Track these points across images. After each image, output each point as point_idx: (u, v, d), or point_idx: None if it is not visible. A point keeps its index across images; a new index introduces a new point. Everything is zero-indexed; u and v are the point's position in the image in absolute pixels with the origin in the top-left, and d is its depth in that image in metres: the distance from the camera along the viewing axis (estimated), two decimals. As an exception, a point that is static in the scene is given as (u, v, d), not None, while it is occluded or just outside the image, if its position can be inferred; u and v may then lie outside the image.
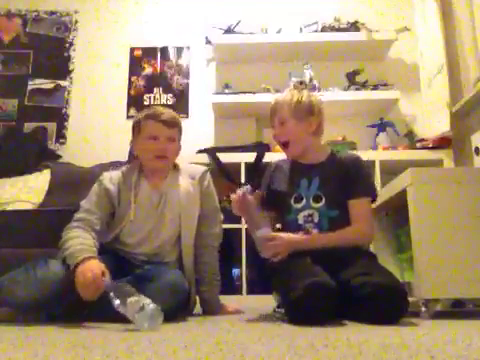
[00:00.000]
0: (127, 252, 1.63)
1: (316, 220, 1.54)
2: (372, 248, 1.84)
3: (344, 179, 1.57)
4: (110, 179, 1.68)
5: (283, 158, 1.74)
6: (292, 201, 1.58)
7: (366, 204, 1.58)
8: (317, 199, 1.56)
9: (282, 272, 1.45)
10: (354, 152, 1.77)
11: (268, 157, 2.72)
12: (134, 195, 1.65)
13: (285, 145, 1.64)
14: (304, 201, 1.57)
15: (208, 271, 1.72)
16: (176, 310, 1.43)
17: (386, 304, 1.22)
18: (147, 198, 1.68)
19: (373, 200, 1.61)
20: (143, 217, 1.65)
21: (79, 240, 1.45)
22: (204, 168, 1.81)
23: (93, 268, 1.32)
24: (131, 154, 2.18)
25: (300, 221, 1.55)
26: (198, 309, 1.74)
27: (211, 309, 1.71)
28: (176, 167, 1.77)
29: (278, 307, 1.53)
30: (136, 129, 1.70)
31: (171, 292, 1.40)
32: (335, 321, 1.23)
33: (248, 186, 1.47)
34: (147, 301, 1.22)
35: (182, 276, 1.54)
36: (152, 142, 1.64)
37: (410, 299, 1.29)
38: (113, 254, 1.59)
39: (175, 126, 1.70)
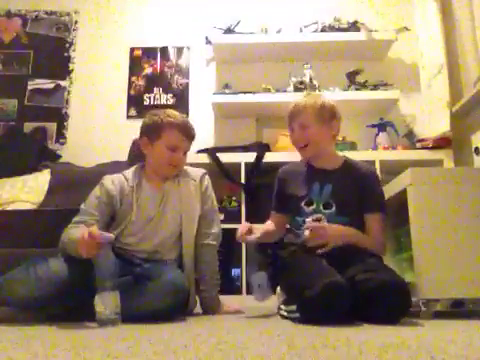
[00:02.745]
0: (127, 251, 1.63)
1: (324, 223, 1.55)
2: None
3: (359, 191, 1.60)
4: (112, 181, 1.70)
5: (295, 161, 1.76)
6: (303, 203, 1.61)
7: (381, 220, 1.60)
8: (327, 206, 1.58)
9: (295, 270, 1.47)
10: (371, 166, 1.80)
11: (268, 157, 2.73)
12: (136, 196, 1.67)
13: (303, 147, 1.66)
14: (314, 205, 1.59)
15: (208, 270, 1.73)
16: (176, 309, 1.43)
17: (389, 300, 1.23)
18: (148, 198, 1.70)
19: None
20: (144, 217, 1.66)
21: (80, 230, 1.47)
22: (203, 170, 1.84)
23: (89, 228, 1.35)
24: (133, 153, 2.19)
25: (308, 223, 1.56)
26: (198, 309, 1.74)
27: (211, 309, 1.71)
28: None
29: (284, 304, 1.52)
30: (155, 132, 1.70)
31: (171, 291, 1.41)
32: (340, 320, 1.23)
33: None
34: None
35: (182, 275, 1.55)
36: (171, 152, 1.68)
37: (410, 299, 1.29)
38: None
39: (193, 140, 1.76)
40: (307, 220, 1.56)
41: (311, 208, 1.59)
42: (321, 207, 1.58)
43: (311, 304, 1.25)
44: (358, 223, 1.58)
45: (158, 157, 1.71)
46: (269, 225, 1.74)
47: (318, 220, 1.56)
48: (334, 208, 1.57)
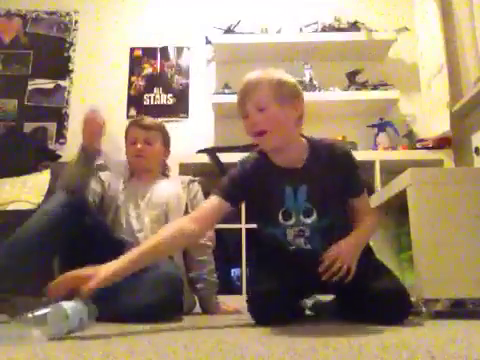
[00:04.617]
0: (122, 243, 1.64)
1: (307, 234, 1.33)
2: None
3: (337, 180, 1.34)
4: (102, 173, 1.86)
5: (253, 156, 1.40)
6: (280, 217, 1.32)
7: (366, 197, 1.47)
8: (307, 213, 1.32)
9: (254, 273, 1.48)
10: (342, 145, 1.52)
11: (268, 157, 2.73)
12: (124, 190, 1.79)
13: (260, 134, 1.30)
14: (294, 218, 1.32)
15: (205, 270, 1.77)
16: (171, 301, 1.45)
17: (388, 307, 1.22)
18: (134, 187, 1.81)
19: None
20: (131, 205, 1.74)
21: None
22: (193, 178, 1.96)
23: None
24: None
25: (289, 237, 1.34)
26: (197, 309, 1.74)
27: (209, 307, 1.74)
28: (166, 174, 1.94)
29: None
30: (125, 135, 1.91)
31: (166, 282, 1.42)
32: (336, 322, 1.23)
33: None
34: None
35: (176, 267, 1.60)
36: (132, 145, 1.84)
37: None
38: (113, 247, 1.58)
39: (152, 129, 1.87)
40: (287, 232, 1.34)
41: (291, 222, 1.32)
42: (301, 216, 1.32)
43: (250, 311, 1.28)
44: (340, 219, 1.37)
45: (127, 154, 1.88)
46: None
47: (301, 231, 1.34)
48: (315, 214, 1.32)
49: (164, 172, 1.95)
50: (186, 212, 1.79)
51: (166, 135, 1.93)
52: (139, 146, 1.81)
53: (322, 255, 1.29)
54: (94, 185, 1.76)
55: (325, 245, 1.32)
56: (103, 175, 1.83)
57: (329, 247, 1.31)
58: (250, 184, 1.34)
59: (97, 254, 1.43)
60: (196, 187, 1.89)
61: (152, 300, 1.37)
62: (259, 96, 1.27)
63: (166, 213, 1.75)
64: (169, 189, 1.82)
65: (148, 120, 1.89)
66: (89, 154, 1.57)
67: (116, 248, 1.53)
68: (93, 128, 1.53)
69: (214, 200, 1.31)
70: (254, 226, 1.51)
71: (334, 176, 1.34)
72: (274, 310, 1.22)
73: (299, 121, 1.32)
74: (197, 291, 1.74)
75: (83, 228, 1.46)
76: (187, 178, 1.92)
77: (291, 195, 1.31)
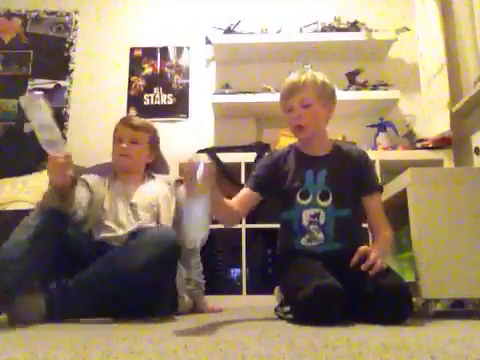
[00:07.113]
0: (106, 242, 1.65)
1: (322, 221, 1.45)
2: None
3: (353, 173, 1.51)
4: (88, 175, 1.82)
5: (284, 148, 1.62)
6: (298, 196, 1.47)
7: (380, 199, 1.54)
8: (324, 196, 1.46)
9: (290, 271, 1.45)
10: (361, 148, 1.71)
11: (268, 157, 2.73)
12: (109, 189, 1.77)
13: (300, 128, 1.50)
14: (311, 197, 1.46)
15: (194, 271, 1.85)
16: (167, 258, 1.45)
17: (390, 304, 1.22)
18: (120, 187, 1.79)
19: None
20: (120, 207, 1.72)
21: None
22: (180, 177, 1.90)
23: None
24: None
25: (304, 222, 1.46)
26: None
27: (198, 306, 1.85)
28: (151, 175, 1.90)
29: (280, 305, 1.53)
30: (113, 133, 1.86)
31: (160, 240, 1.43)
32: (339, 321, 1.22)
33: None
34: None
35: (169, 229, 1.59)
36: (118, 144, 1.80)
37: (410, 299, 1.29)
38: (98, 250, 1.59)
39: (141, 129, 1.83)
40: (303, 215, 1.47)
41: (307, 201, 1.47)
42: (318, 198, 1.46)
43: (303, 306, 1.24)
44: (358, 213, 1.51)
45: (112, 153, 1.84)
46: (233, 203, 1.47)
47: (316, 215, 1.46)
48: (331, 198, 1.46)
49: (150, 174, 1.91)
50: (176, 214, 1.80)
51: (154, 137, 1.88)
52: (124, 145, 1.78)
53: (325, 253, 1.42)
54: (80, 198, 1.65)
55: (336, 239, 1.43)
56: (89, 178, 1.79)
57: (338, 242, 1.42)
58: (276, 169, 1.53)
59: (83, 256, 1.52)
60: (183, 189, 1.88)
61: (148, 257, 1.38)
62: (306, 94, 1.48)
63: (157, 215, 1.74)
64: (157, 191, 1.80)
65: (137, 120, 1.86)
66: (61, 191, 1.49)
67: (99, 250, 1.55)
68: (54, 168, 1.52)
69: (244, 191, 1.52)
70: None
71: (351, 169, 1.51)
72: (339, 302, 1.20)
73: (328, 118, 1.55)
74: (187, 291, 1.81)
75: (65, 237, 1.48)
76: (173, 178, 1.90)
77: (311, 177, 1.48)
